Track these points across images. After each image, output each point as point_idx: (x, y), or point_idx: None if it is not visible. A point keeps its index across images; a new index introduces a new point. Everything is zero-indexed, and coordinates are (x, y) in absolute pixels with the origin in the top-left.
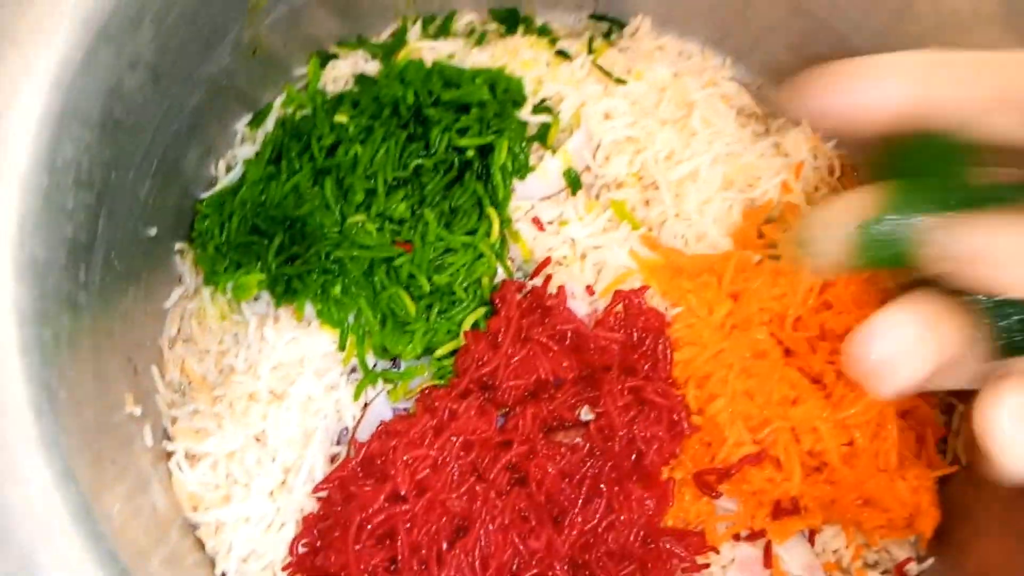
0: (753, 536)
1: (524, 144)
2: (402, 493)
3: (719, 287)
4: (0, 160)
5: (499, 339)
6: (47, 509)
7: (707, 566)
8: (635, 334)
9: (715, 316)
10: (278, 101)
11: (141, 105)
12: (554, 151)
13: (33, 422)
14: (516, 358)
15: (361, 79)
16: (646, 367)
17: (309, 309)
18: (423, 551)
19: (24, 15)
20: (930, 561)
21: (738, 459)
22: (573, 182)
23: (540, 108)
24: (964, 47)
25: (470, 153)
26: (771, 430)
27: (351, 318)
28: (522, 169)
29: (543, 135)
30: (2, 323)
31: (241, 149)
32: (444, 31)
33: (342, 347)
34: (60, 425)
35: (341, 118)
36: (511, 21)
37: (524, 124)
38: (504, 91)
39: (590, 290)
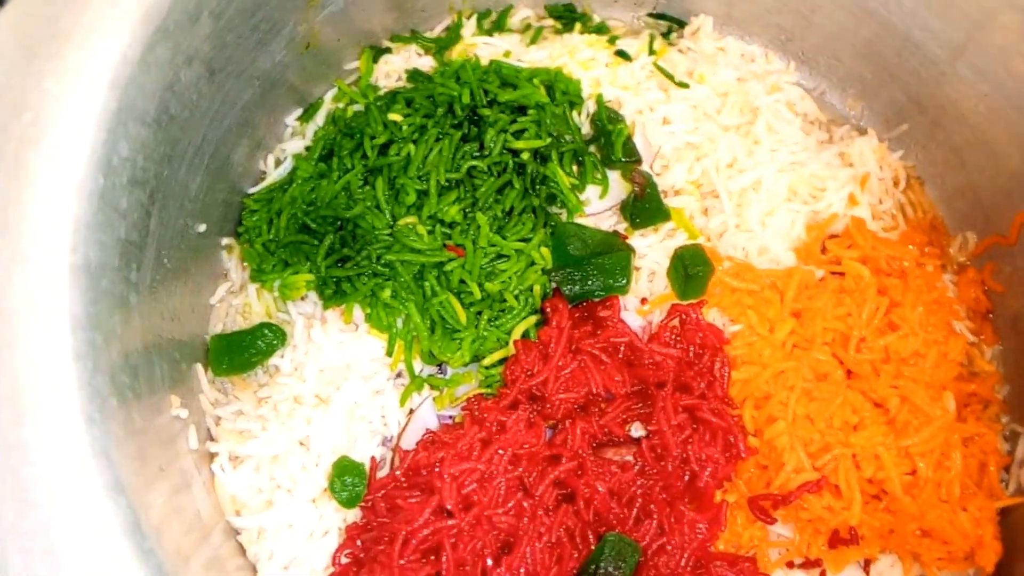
0: (808, 565)
1: (585, 155)
2: (448, 507)
3: (781, 305)
4: (56, 163)
5: (550, 350)
6: (98, 522)
7: None
8: (691, 350)
9: (777, 335)
10: (329, 95)
11: (195, 100)
12: (613, 160)
13: (85, 431)
14: (567, 370)
15: (414, 75)
16: (702, 385)
17: (357, 312)
18: (467, 568)
19: (83, 13)
20: None
21: (796, 486)
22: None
23: (606, 114)
24: None
25: (525, 156)
26: (831, 456)
27: (399, 322)
28: (584, 179)
29: (607, 144)
30: (56, 330)
31: (290, 143)
32: (499, 27)
33: (390, 352)
34: (110, 434)
35: (395, 116)
36: (568, 18)
37: (580, 131)
38: (563, 93)
39: (644, 302)
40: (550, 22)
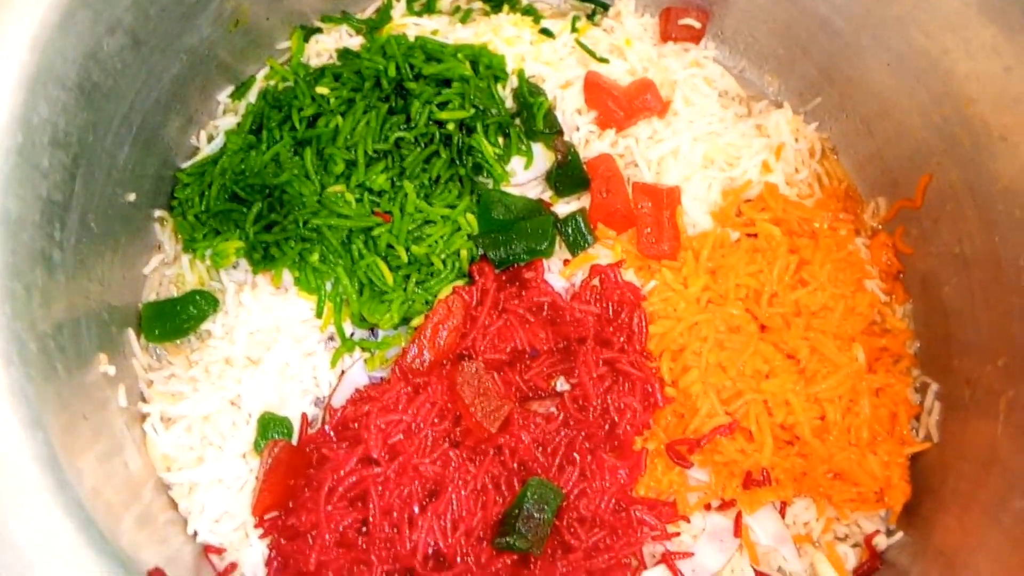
0: (724, 506)
1: (510, 127)
2: (374, 456)
3: (696, 263)
4: None
5: (475, 311)
6: (14, 455)
7: (677, 534)
8: (611, 307)
9: (691, 290)
10: (261, 74)
11: (120, 71)
12: (536, 132)
13: (2, 371)
14: (492, 328)
15: (344, 53)
16: (621, 339)
17: (287, 277)
18: (394, 514)
19: None
20: (899, 535)
21: (710, 430)
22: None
23: (527, 88)
24: (939, 31)
25: (451, 127)
26: (743, 402)
27: (328, 286)
28: (509, 151)
29: (529, 116)
30: None
31: (223, 120)
32: (429, 8)
33: (319, 314)
34: (28, 375)
35: (322, 90)
36: (496, 0)
37: (505, 104)
38: (486, 67)
39: (567, 263)
40: (479, 4)
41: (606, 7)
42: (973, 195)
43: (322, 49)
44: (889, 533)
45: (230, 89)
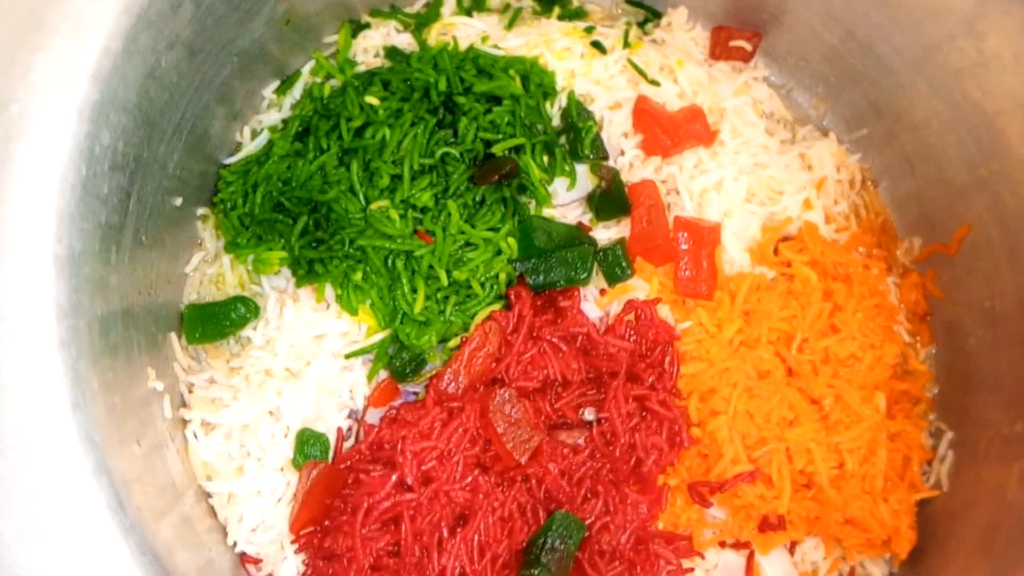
0: (738, 545)
1: (556, 147)
2: (408, 482)
3: (732, 306)
4: (40, 156)
5: (510, 337)
6: (85, 504)
7: (692, 570)
8: (644, 344)
9: (724, 333)
10: (307, 68)
11: (175, 82)
12: (581, 155)
13: (71, 417)
14: (526, 355)
15: (392, 53)
16: (652, 377)
17: (329, 291)
18: (424, 538)
19: (67, 5)
20: None
21: (732, 475)
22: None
23: (576, 111)
24: (997, 92)
25: (497, 149)
26: (767, 450)
27: (369, 304)
28: (553, 171)
29: (576, 139)
30: (42, 320)
31: (267, 115)
32: (478, 5)
33: (381, 326)
34: (93, 418)
35: (371, 99)
36: (547, 0)
37: (552, 122)
38: (537, 85)
39: (603, 293)
40: (528, 2)
41: (659, 16)
42: (1011, 257)
43: (369, 46)
44: None
45: (275, 84)
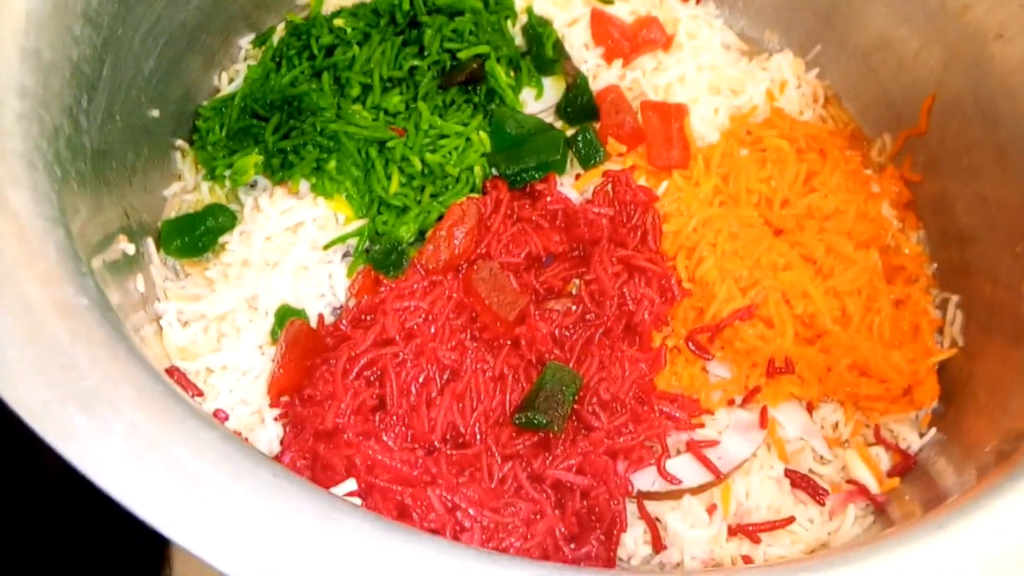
0: (748, 400)
1: (520, 61)
2: (392, 336)
3: (707, 169)
4: None
5: (488, 221)
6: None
7: (702, 425)
8: (624, 211)
9: (702, 190)
10: (280, 26)
11: None
12: (546, 61)
13: (25, 171)
14: (507, 234)
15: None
16: (635, 238)
17: (304, 185)
18: (412, 396)
19: None
20: (931, 433)
21: (729, 314)
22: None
23: (535, 21)
24: None
25: (463, 55)
26: (761, 288)
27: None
28: (520, 83)
29: (538, 47)
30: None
31: (244, 65)
32: None
33: (358, 215)
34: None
35: (339, 22)
36: None
37: (514, 41)
38: (496, 3)
39: (579, 177)
40: None
41: None
42: (976, 101)
43: (340, 2)
44: (921, 436)
45: (251, 36)
